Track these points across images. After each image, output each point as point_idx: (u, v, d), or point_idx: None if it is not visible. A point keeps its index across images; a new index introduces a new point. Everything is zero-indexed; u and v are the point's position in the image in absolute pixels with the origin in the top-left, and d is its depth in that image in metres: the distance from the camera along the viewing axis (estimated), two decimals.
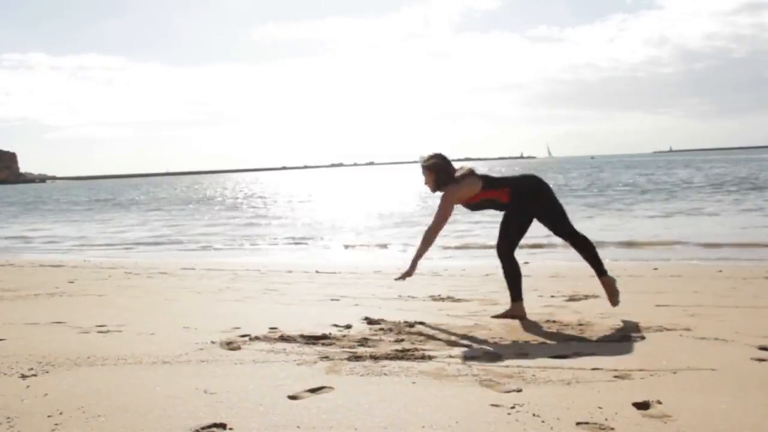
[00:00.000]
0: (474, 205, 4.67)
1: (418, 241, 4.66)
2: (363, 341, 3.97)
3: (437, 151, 4.67)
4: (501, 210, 4.67)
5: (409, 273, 4.64)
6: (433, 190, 4.66)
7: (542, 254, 10.23)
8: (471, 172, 4.65)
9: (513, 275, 4.66)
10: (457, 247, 11.72)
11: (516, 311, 4.66)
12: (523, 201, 4.60)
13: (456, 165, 4.71)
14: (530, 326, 4.34)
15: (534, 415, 2.57)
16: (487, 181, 4.61)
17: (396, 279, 4.78)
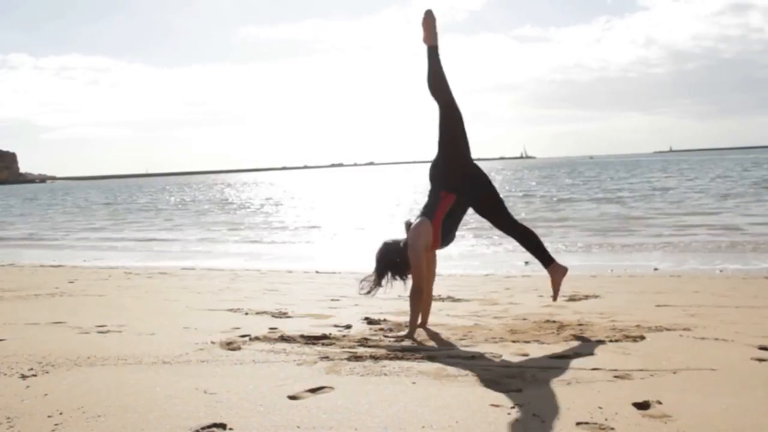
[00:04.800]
0: (446, 224, 4.19)
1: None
2: (363, 341, 3.97)
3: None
4: (461, 209, 4.28)
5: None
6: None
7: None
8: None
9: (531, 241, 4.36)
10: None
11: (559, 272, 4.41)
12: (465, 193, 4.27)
13: None
14: (530, 326, 4.34)
15: (534, 415, 2.57)
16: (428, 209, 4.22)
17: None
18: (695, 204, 19.71)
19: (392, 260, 4.22)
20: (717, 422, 2.49)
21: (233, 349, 3.74)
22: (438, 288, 6.52)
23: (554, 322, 4.48)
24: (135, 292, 6.59)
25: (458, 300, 5.73)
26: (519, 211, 19.91)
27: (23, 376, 3.17)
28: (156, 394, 2.87)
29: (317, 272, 8.28)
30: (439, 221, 4.16)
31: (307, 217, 21.71)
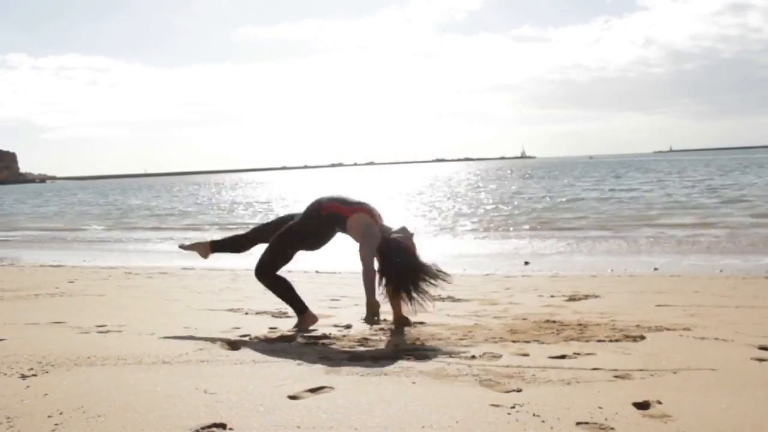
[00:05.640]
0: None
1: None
2: (363, 341, 3.97)
3: None
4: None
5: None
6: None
7: (542, 255, 10.24)
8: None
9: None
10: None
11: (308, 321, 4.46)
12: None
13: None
14: (530, 326, 4.34)
15: (534, 415, 2.57)
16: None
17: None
18: (695, 203, 19.72)
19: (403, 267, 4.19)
20: (717, 422, 2.48)
21: (233, 349, 3.74)
22: (438, 288, 6.52)
23: (554, 322, 4.48)
24: (135, 292, 6.59)
25: (458, 300, 5.72)
26: (520, 212, 19.92)
27: (23, 376, 3.17)
28: (156, 394, 2.87)
29: (317, 272, 8.28)
30: (354, 208, 4.34)
31: None
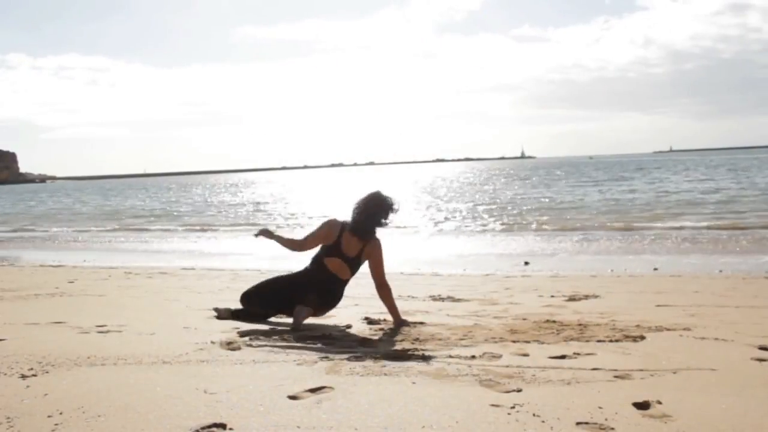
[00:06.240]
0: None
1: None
2: (363, 341, 3.97)
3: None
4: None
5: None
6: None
7: (542, 255, 10.24)
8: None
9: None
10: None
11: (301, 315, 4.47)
12: None
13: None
14: (530, 326, 4.34)
15: (534, 415, 2.57)
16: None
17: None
18: (695, 203, 19.72)
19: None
20: (717, 422, 2.49)
21: (233, 349, 3.74)
22: (438, 288, 6.53)
23: (554, 322, 4.48)
24: (135, 292, 6.58)
25: (458, 300, 5.72)
26: (520, 212, 19.90)
27: (23, 376, 3.17)
28: (156, 394, 2.87)
29: None
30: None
31: (305, 215, 21.71)
